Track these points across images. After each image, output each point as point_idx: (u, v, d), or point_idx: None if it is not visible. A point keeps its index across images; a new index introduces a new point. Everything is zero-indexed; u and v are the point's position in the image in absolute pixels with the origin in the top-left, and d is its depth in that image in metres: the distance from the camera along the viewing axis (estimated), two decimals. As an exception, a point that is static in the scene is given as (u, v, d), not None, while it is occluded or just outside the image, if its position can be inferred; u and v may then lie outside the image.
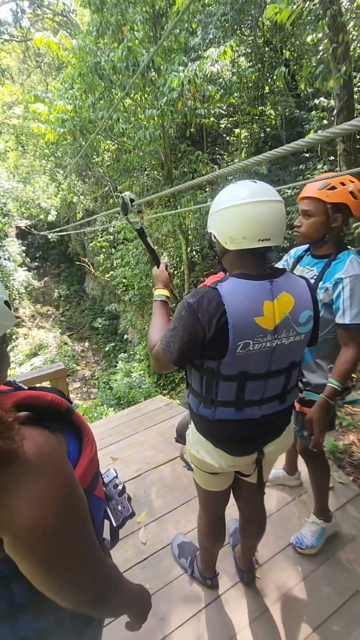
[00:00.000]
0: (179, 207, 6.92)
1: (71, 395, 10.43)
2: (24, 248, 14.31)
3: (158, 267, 1.41)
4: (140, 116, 5.64)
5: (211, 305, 0.93)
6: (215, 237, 1.03)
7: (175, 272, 8.88)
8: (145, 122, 5.23)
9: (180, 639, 1.45)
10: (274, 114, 8.13)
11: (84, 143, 7.39)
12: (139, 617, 0.83)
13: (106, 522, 0.85)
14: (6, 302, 0.62)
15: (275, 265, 1.63)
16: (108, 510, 0.88)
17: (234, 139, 8.63)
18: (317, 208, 1.41)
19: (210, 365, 1.01)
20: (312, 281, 1.44)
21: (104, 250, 11.52)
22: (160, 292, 1.32)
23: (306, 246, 1.63)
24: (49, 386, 0.70)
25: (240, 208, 0.95)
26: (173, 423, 3.05)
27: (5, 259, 12.23)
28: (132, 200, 1.52)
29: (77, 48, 4.76)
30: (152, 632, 1.47)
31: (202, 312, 0.94)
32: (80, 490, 0.61)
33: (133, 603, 0.77)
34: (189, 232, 7.68)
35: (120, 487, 0.92)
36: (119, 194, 10.38)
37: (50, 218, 13.75)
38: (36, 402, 0.63)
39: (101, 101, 4.89)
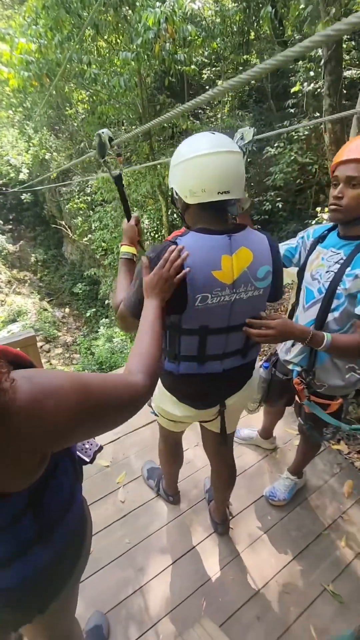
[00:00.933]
0: (158, 166, 6.58)
1: (53, 361, 10.39)
2: (-5, 209, 13.49)
3: (128, 221, 1.30)
4: (115, 61, 5.15)
5: None
6: (176, 192, 0.99)
7: (156, 235, 8.63)
8: (120, 69, 4.78)
9: (158, 587, 1.54)
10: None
11: (54, 92, 6.75)
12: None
13: None
14: None
15: (285, 246, 1.52)
16: (77, 452, 0.92)
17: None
18: None
19: (172, 320, 1.02)
20: (338, 266, 1.25)
21: (81, 212, 11.00)
22: (125, 250, 1.24)
23: (329, 225, 1.39)
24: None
25: (198, 160, 0.91)
26: (152, 387, 3.09)
27: (-25, 221, 11.53)
28: (110, 140, 1.34)
29: (40, -25, 4.18)
30: (131, 582, 1.56)
31: None
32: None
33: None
34: (170, 192, 7.38)
35: (96, 447, 0.97)
36: (93, 151, 9.74)
37: (22, 176, 12.88)
38: (4, 355, 0.65)
39: (70, 41, 4.38)
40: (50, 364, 10.24)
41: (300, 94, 6.34)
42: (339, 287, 1.24)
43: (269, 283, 1.05)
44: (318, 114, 5.96)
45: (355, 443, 2.27)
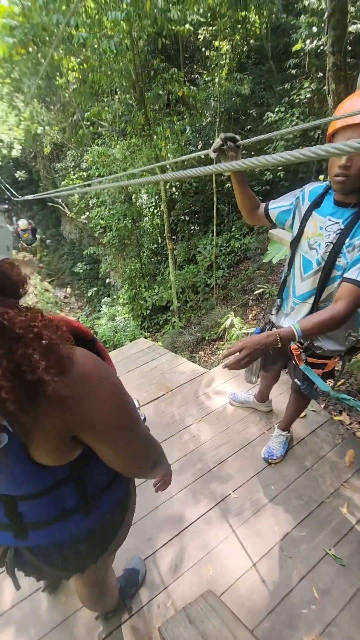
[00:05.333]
0: (154, 136, 6.32)
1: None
2: (-11, 189, 13.14)
3: None
4: (105, 23, 4.84)
5: None
6: None
7: (155, 210, 8.43)
8: (109, 31, 4.48)
9: (166, 555, 1.61)
10: (258, 21, 7.13)
11: (42, 60, 6.40)
12: (168, 476, 1.06)
13: None
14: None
15: (277, 209, 1.42)
16: None
17: (214, 53, 7.63)
18: None
19: None
20: (336, 236, 1.20)
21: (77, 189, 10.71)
22: None
23: (323, 185, 1.32)
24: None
25: None
26: (155, 365, 3.11)
27: (-30, 202, 11.29)
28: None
29: None
30: (141, 550, 1.62)
31: None
32: (127, 394, 0.71)
33: (167, 468, 1.01)
34: (167, 166, 7.13)
35: (142, 417, 1.03)
36: (87, 122, 9.35)
37: (15, 153, 12.45)
38: (67, 326, 0.67)
39: (56, 2, 4.09)
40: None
41: (302, 53, 5.98)
42: (338, 259, 1.22)
43: None
44: (321, 74, 5.64)
45: (356, 414, 2.29)
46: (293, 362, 1.44)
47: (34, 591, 1.49)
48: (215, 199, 6.21)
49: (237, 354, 1.17)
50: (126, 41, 4.82)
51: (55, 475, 0.68)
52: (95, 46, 4.80)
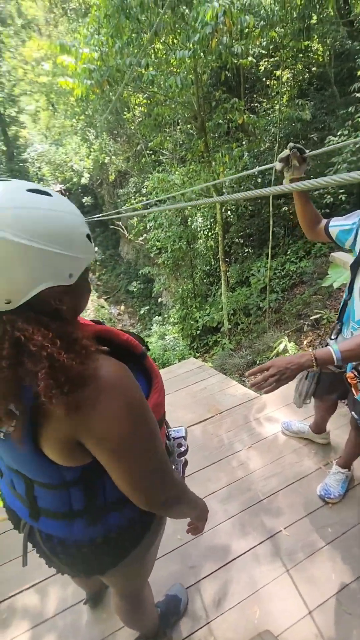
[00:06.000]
0: (213, 162, 6.51)
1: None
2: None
3: None
4: (172, 61, 5.19)
5: None
6: None
7: (209, 233, 8.59)
8: (176, 69, 4.79)
9: (209, 587, 1.52)
10: (321, 49, 7.17)
11: (112, 97, 7.03)
12: (198, 521, 0.95)
13: None
14: (87, 236, 0.64)
15: (338, 227, 1.37)
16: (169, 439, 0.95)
17: (274, 82, 7.78)
18: None
19: None
20: None
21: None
22: None
23: None
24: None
25: None
26: (205, 385, 3.07)
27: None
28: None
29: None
30: (183, 577, 1.56)
31: None
32: (150, 413, 0.68)
33: (194, 508, 0.88)
34: (224, 189, 7.27)
35: (183, 449, 0.95)
36: (149, 151, 9.98)
37: (84, 181, 13.64)
38: (113, 338, 0.70)
39: (129, 46, 4.52)
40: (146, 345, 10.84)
41: (368, 76, 5.86)
42: None
43: None
44: (389, 96, 5.46)
45: None
46: (353, 392, 1.34)
47: (76, 602, 1.50)
48: (271, 222, 6.16)
49: (265, 372, 1.07)
50: (191, 76, 5.12)
51: (64, 474, 0.68)
52: (162, 83, 5.15)
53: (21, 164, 14.59)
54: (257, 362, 5.12)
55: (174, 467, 0.93)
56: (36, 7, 11.90)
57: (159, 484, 0.72)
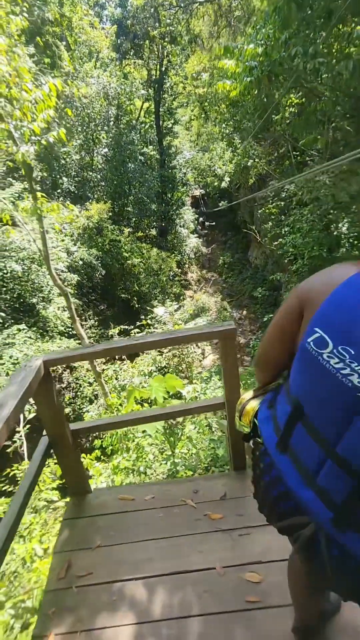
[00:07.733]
0: (375, 159, 5.67)
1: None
2: (196, 216, 15.17)
3: None
4: (343, 49, 4.69)
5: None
6: None
7: (356, 242, 7.58)
8: (348, 49, 4.27)
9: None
10: None
11: (269, 93, 6.87)
12: None
13: None
14: None
15: None
16: None
17: None
18: None
19: None
20: None
21: (272, 217, 10.95)
22: None
23: None
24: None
25: None
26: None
27: (180, 227, 13.29)
28: None
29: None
30: None
31: None
32: None
33: None
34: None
35: None
36: (295, 152, 9.43)
37: (223, 185, 13.95)
38: None
39: (297, 36, 4.26)
40: (223, 361, 10.72)
41: None
42: None
43: None
44: None
45: None
46: None
47: (183, 615, 1.38)
48: None
49: None
50: (364, 61, 4.52)
51: None
52: (328, 72, 4.71)
53: (170, 171, 15.88)
54: None
55: None
56: (202, 22, 12.69)
57: None
